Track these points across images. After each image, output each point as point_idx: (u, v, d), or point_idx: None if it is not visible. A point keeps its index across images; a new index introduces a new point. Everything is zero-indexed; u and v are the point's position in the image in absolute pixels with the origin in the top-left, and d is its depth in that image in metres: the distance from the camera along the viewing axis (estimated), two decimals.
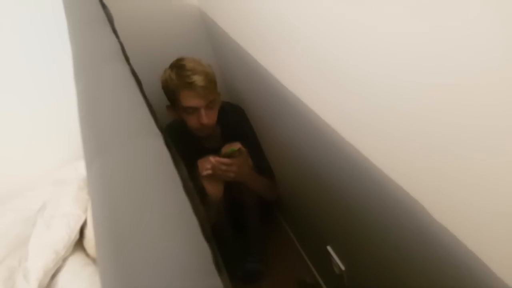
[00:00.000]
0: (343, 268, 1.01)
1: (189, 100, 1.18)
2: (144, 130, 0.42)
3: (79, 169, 1.30)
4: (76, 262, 1.04)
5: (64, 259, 1.04)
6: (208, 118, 1.21)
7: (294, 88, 0.83)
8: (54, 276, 1.03)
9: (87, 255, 1.09)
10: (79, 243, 1.09)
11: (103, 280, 0.36)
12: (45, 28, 1.23)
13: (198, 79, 1.15)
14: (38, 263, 1.02)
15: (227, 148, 1.18)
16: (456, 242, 0.51)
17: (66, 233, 1.04)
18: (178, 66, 1.20)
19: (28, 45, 1.24)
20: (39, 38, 1.24)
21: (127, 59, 0.55)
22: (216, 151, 1.26)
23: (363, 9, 0.49)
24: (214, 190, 1.20)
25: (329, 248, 1.05)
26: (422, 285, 0.66)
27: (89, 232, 1.07)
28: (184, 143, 1.27)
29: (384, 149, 0.59)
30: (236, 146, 1.18)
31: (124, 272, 0.33)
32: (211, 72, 1.22)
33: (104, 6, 0.82)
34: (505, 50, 0.34)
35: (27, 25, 1.21)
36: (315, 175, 0.94)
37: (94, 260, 1.07)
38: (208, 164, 1.15)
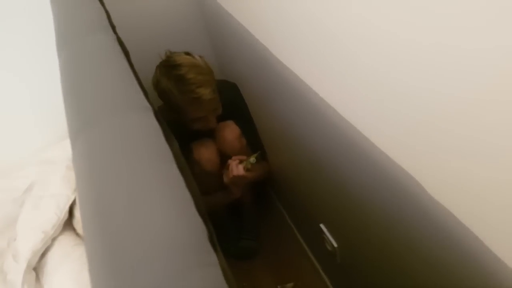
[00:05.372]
0: (335, 245, 1.01)
1: (197, 112, 1.13)
2: (133, 103, 0.40)
3: (67, 148, 1.27)
4: (66, 242, 1.02)
5: (53, 239, 1.03)
6: (215, 120, 1.20)
7: (291, 64, 0.80)
8: (43, 256, 1.02)
9: (77, 235, 1.07)
10: (68, 222, 1.07)
11: (91, 261, 0.34)
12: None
13: (204, 93, 1.08)
14: (26, 243, 1.00)
15: (248, 159, 1.24)
16: (451, 217, 0.50)
17: (55, 214, 1.02)
18: (176, 77, 1.08)
19: (11, 19, 1.17)
20: (25, 11, 1.17)
21: (113, 27, 0.51)
22: (210, 133, 1.27)
23: None
24: (236, 190, 1.32)
25: (322, 226, 1.05)
26: (414, 260, 0.66)
27: (79, 212, 1.06)
28: (178, 128, 1.22)
29: (380, 125, 0.58)
30: (253, 160, 1.23)
31: (113, 252, 0.32)
32: (210, 73, 1.14)
33: None
34: None
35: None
36: (308, 153, 0.93)
37: None
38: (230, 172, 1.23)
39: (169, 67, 1.11)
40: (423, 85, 0.45)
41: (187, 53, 1.15)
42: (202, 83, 1.08)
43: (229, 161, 1.22)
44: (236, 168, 1.20)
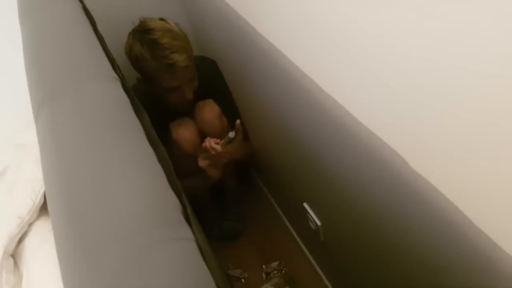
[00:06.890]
0: (319, 223, 1.01)
1: (171, 81, 1.07)
2: (98, 73, 0.37)
3: None
4: (43, 227, 1.00)
5: (30, 224, 1.00)
6: (191, 93, 1.14)
7: (272, 38, 0.78)
8: (20, 241, 1.00)
9: None
10: (44, 207, 1.04)
11: (58, 241, 0.32)
12: None
13: (179, 59, 1.02)
14: (2, 229, 0.98)
15: (226, 136, 1.15)
16: (435, 192, 0.50)
17: (31, 199, 0.99)
18: (150, 42, 1.03)
19: None
20: None
21: None
22: (188, 112, 1.23)
23: None
24: (214, 172, 1.20)
25: (305, 205, 1.05)
26: (398, 237, 0.66)
27: None
28: (154, 106, 1.15)
29: (363, 102, 0.57)
30: (232, 134, 1.14)
31: (80, 229, 0.30)
32: (186, 40, 1.09)
33: None
34: None
35: None
36: (290, 131, 0.91)
37: None
38: (205, 154, 1.14)
39: (142, 32, 1.05)
40: (404, 61, 0.44)
41: (162, 19, 1.10)
42: (177, 49, 1.03)
43: (203, 144, 1.14)
44: (210, 145, 1.12)
